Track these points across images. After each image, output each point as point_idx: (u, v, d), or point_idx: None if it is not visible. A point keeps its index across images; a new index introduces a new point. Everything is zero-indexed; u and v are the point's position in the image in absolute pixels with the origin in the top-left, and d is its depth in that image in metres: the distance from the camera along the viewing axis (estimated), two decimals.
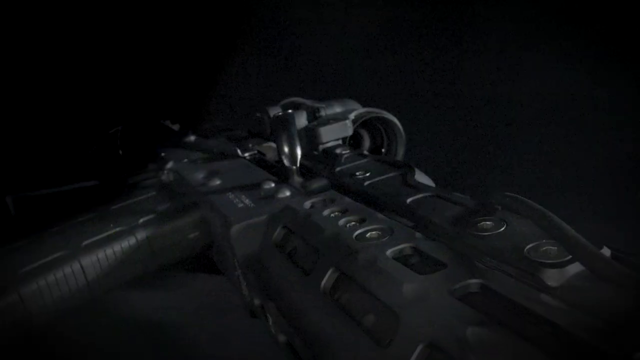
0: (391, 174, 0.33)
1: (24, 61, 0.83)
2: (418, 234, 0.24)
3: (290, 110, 0.39)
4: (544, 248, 0.21)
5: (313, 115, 0.49)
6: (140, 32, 0.93)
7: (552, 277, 0.19)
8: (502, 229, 0.23)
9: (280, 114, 0.37)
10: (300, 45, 1.06)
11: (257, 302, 0.30)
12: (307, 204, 0.31)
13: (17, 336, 0.36)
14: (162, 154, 0.55)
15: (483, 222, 0.24)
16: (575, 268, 0.19)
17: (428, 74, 1.25)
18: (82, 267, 0.36)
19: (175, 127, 0.73)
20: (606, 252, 0.20)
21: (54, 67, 0.85)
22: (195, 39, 0.97)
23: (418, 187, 0.30)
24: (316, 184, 0.35)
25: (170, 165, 0.49)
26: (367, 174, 0.34)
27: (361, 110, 0.51)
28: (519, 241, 0.21)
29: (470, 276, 0.20)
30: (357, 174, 0.35)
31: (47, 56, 0.85)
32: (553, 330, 0.17)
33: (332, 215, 0.28)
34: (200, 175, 0.45)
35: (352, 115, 0.48)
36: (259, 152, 0.50)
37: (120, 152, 0.69)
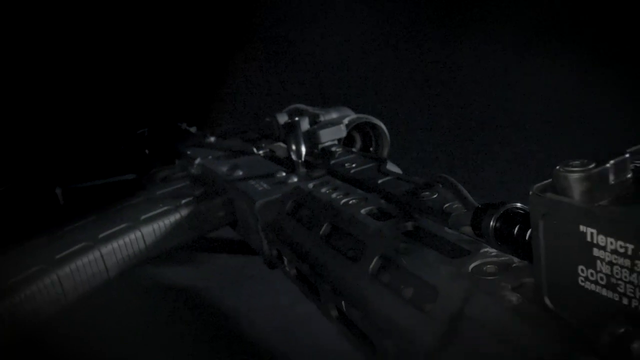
0: (370, 165, 0.49)
1: (65, 81, 1.00)
2: (382, 201, 0.40)
3: (297, 118, 0.55)
4: (455, 206, 0.36)
5: (314, 120, 0.64)
6: (159, 51, 1.10)
7: (454, 219, 0.35)
8: (435, 196, 0.38)
9: (289, 121, 0.53)
10: (301, 55, 1.22)
11: (274, 253, 0.46)
12: (310, 185, 0.47)
13: (92, 287, 0.51)
14: (188, 152, 0.71)
15: (424, 193, 0.39)
16: (468, 214, 0.35)
17: (426, 77, 1.39)
18: (142, 235, 0.52)
19: (193, 129, 0.89)
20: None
21: (88, 85, 1.03)
22: (207, 53, 1.14)
23: (387, 173, 0.45)
24: (317, 172, 0.51)
25: (198, 161, 0.65)
26: (354, 165, 0.50)
27: (353, 116, 0.66)
28: (442, 203, 0.37)
29: (408, 220, 0.36)
30: (346, 165, 0.50)
31: (84, 77, 1.02)
32: (448, 244, 0.32)
33: (327, 191, 0.44)
34: (224, 168, 0.60)
35: (346, 121, 0.64)
36: (270, 150, 0.66)
37: (147, 151, 0.85)
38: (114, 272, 0.50)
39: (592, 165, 0.20)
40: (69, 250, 0.49)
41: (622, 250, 0.19)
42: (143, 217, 0.53)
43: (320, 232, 0.40)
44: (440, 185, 0.40)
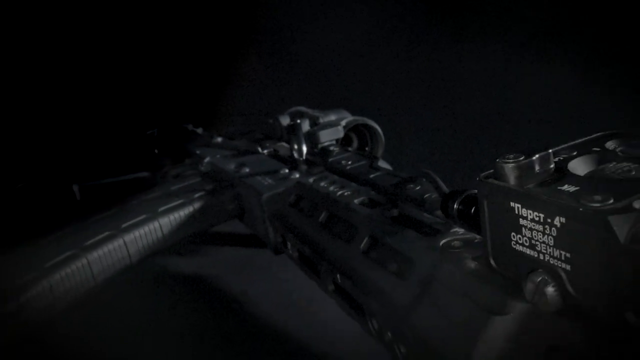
0: (363, 162, 0.57)
1: (79, 88, 1.09)
2: (373, 192, 0.48)
3: (298, 120, 0.63)
4: (433, 195, 0.44)
5: (314, 122, 0.72)
6: (167, 60, 1.19)
7: (429, 204, 0.42)
8: (417, 188, 0.46)
9: (291, 122, 0.61)
10: (301, 59, 1.30)
11: (279, 239, 0.54)
12: (310, 180, 0.55)
13: (117, 271, 0.59)
14: (197, 152, 0.79)
15: (408, 185, 0.47)
16: (440, 200, 0.43)
17: (424, 77, 1.45)
18: (160, 225, 0.60)
19: (199, 130, 0.97)
20: None
21: (100, 90, 1.12)
22: (212, 58, 1.23)
23: (378, 169, 0.53)
24: (316, 169, 0.59)
25: (207, 159, 0.73)
26: (349, 162, 0.58)
27: (350, 118, 0.74)
28: (424, 192, 0.45)
29: (394, 208, 0.44)
30: (343, 162, 0.58)
31: (97, 83, 1.11)
32: (424, 225, 0.40)
33: (325, 185, 0.52)
34: (232, 166, 0.68)
35: (343, 122, 0.71)
36: (274, 149, 0.74)
37: (156, 150, 0.93)
38: (135, 258, 0.58)
39: (522, 158, 0.28)
40: (96, 239, 0.57)
41: (537, 219, 0.27)
42: (160, 209, 0.61)
43: (319, 219, 0.48)
44: (423, 179, 0.48)
